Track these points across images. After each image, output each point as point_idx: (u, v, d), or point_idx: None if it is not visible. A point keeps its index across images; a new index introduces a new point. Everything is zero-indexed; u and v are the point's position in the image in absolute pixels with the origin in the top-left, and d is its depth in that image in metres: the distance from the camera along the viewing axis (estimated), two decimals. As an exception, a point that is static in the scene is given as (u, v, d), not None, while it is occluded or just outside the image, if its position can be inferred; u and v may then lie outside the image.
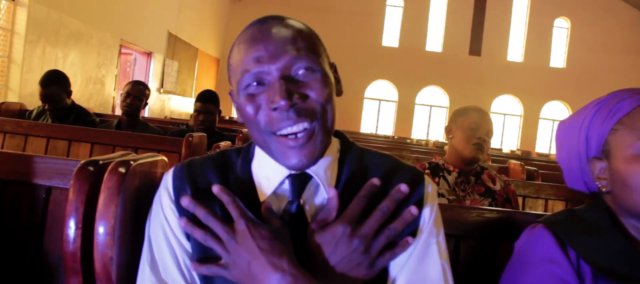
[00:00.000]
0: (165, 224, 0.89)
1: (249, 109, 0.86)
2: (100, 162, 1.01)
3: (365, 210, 0.86)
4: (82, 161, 1.00)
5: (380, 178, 0.89)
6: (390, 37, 16.22)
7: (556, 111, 16.11)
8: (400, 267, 0.88)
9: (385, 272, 0.89)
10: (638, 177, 0.91)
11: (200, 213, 0.83)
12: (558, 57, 16.16)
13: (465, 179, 2.32)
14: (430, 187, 0.94)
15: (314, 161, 0.87)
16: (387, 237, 0.84)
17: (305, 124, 0.83)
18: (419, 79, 15.92)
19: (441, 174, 2.34)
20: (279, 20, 0.90)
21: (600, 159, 0.99)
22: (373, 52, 15.76)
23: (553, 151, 15.53)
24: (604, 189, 0.99)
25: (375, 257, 0.83)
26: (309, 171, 0.89)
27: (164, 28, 10.70)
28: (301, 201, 0.89)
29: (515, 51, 16.15)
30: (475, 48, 15.97)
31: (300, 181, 0.90)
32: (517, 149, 12.01)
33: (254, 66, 0.85)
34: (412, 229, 0.89)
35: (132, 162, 0.97)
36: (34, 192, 1.20)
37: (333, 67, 0.96)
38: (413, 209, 0.84)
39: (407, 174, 0.94)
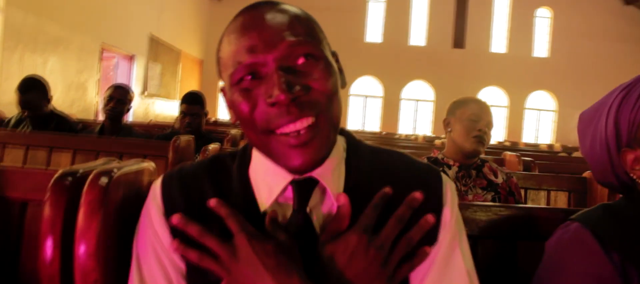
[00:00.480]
0: (155, 240, 0.79)
1: (244, 107, 0.75)
2: (80, 172, 0.91)
3: (380, 218, 0.77)
4: (59, 172, 0.90)
5: (393, 179, 0.80)
6: (374, 32, 16.15)
7: (541, 101, 16.17)
8: (422, 278, 0.79)
9: None
10: None
11: (194, 230, 0.73)
12: (541, 47, 16.21)
13: (466, 173, 2.23)
14: (449, 186, 0.85)
15: (319, 162, 0.77)
16: (405, 247, 0.76)
17: (309, 120, 0.73)
18: (403, 73, 15.88)
19: (441, 169, 2.25)
20: (273, 4, 0.80)
21: (634, 148, 0.91)
22: (357, 49, 15.69)
23: (540, 141, 15.60)
24: (639, 180, 0.91)
25: (393, 269, 0.75)
26: (315, 174, 0.78)
27: (146, 31, 10.54)
28: (308, 210, 0.79)
29: (499, 42, 16.17)
30: (458, 41, 15.98)
31: (305, 187, 0.79)
32: (505, 140, 11.99)
33: (248, 57, 0.74)
34: (432, 235, 0.80)
35: (115, 171, 0.87)
36: (8, 208, 1.09)
37: (335, 55, 0.86)
38: (430, 218, 0.77)
39: (423, 174, 0.84)
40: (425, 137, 8.15)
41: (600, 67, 15.63)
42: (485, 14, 16.03)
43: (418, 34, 16.19)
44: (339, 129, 0.82)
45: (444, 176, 0.86)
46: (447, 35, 16.02)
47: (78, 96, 7.74)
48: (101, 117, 8.72)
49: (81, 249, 0.80)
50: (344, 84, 0.84)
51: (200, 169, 0.85)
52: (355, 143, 0.88)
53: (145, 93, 10.60)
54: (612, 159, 0.95)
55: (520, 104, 15.99)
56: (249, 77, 0.75)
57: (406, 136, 9.33)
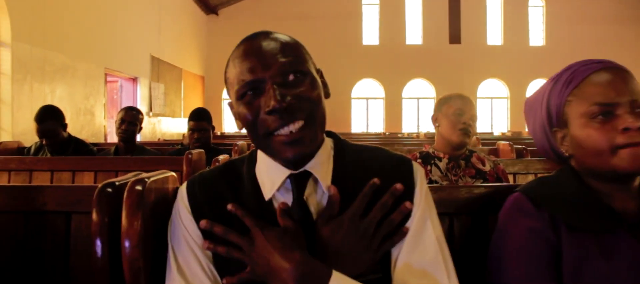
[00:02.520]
0: (186, 234, 1.00)
1: (248, 115, 0.96)
2: (117, 183, 1.11)
3: (368, 205, 0.98)
4: (101, 185, 1.10)
5: (372, 170, 1.01)
6: (370, 35, 16.33)
7: (541, 89, 16.26)
8: (400, 246, 0.98)
9: (388, 253, 0.99)
10: (590, 140, 1.05)
11: (219, 230, 0.97)
12: (537, 36, 16.37)
13: (455, 163, 2.42)
14: (419, 171, 1.04)
15: (309, 154, 0.98)
16: (387, 227, 0.96)
17: (300, 123, 0.93)
18: (403, 73, 16.05)
19: (432, 161, 2.45)
20: (267, 34, 1.01)
21: (561, 128, 1.13)
22: (355, 53, 15.89)
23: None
24: (567, 154, 1.13)
25: (378, 244, 0.95)
26: (307, 167, 0.99)
27: (147, 52, 10.77)
28: (304, 197, 0.99)
29: (495, 35, 16.33)
30: (454, 36, 16.14)
31: (301, 179, 1.00)
32: (508, 131, 12.16)
33: (249, 76, 0.94)
34: (407, 214, 1.00)
35: (146, 180, 1.07)
36: (55, 220, 1.29)
37: (319, 72, 1.06)
38: (408, 204, 0.98)
39: (397, 163, 1.05)
40: (426, 134, 8.36)
41: (597, 50, 15.70)
42: (479, 8, 16.18)
43: (414, 33, 16.36)
44: (324, 129, 1.03)
45: (413, 163, 1.05)
46: (443, 32, 16.18)
47: (87, 120, 7.96)
48: (110, 140, 8.97)
49: (126, 243, 1.00)
50: (328, 95, 1.05)
51: (217, 173, 1.06)
52: (340, 142, 1.09)
53: (151, 113, 10.82)
54: (548, 138, 1.17)
55: (521, 94, 16.10)
56: (251, 92, 0.96)
57: (408, 134, 9.51)
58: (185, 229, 1.01)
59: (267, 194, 1.01)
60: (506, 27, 16.21)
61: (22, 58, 6.22)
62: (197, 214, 1.01)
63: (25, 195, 1.29)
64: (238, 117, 1.01)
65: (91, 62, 8.11)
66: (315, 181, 1.01)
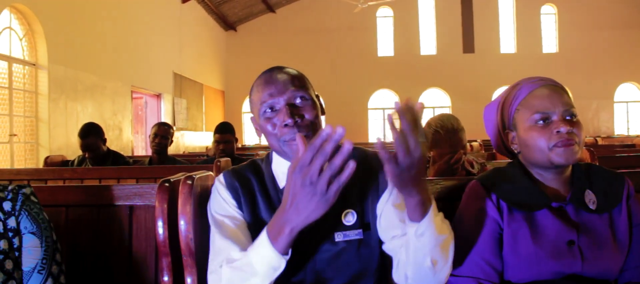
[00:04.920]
0: (223, 202, 1.35)
1: (269, 128, 1.33)
2: (172, 180, 1.49)
3: (351, 189, 1.32)
4: (160, 181, 1.48)
5: (361, 162, 1.35)
6: (385, 47, 16.66)
7: (555, 95, 16.35)
8: (384, 210, 1.32)
9: (373, 216, 1.34)
10: (533, 140, 1.38)
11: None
12: (550, 43, 16.52)
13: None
14: None
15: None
16: (330, 171, 0.99)
17: (305, 133, 1.30)
18: (418, 83, 16.29)
19: (426, 166, 2.77)
20: (281, 68, 1.39)
21: (512, 130, 1.47)
22: (371, 64, 16.20)
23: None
24: (516, 151, 1.48)
25: (325, 187, 1.01)
26: None
27: (169, 69, 11.28)
28: None
29: (507, 43, 16.51)
30: (468, 46, 16.35)
31: None
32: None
33: (268, 99, 1.32)
34: (381, 190, 1.35)
35: (194, 176, 1.45)
36: (121, 212, 1.68)
37: (317, 96, 1.43)
38: (347, 144, 0.98)
39: (371, 157, 1.41)
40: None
41: (609, 55, 15.86)
42: (492, 17, 16.37)
43: (428, 43, 16.61)
44: None
45: None
46: (457, 42, 16.39)
47: (115, 135, 8.43)
48: (136, 154, 9.42)
49: (181, 221, 1.38)
50: (323, 112, 1.42)
51: (244, 167, 1.44)
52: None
53: (175, 127, 11.24)
54: (502, 138, 1.52)
55: (534, 100, 16.21)
56: (269, 110, 1.34)
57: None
58: (222, 199, 1.35)
59: (281, 183, 1.37)
60: (519, 35, 16.41)
61: (58, 79, 6.73)
62: (231, 190, 1.36)
63: (98, 192, 1.68)
64: (260, 129, 1.38)
65: (118, 80, 8.61)
66: None
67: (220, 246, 1.28)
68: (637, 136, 14.36)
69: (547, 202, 1.37)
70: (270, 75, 1.37)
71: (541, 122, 1.37)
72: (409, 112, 1.04)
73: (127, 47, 9.09)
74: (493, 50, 16.33)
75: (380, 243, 1.34)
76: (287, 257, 1.13)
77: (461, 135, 2.50)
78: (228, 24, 15.80)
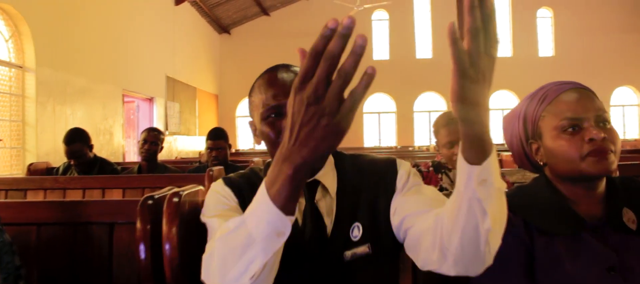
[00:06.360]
0: (223, 199, 1.16)
1: (271, 134, 1.14)
2: (156, 196, 1.31)
3: (355, 202, 1.17)
4: (143, 198, 1.30)
5: (366, 171, 1.21)
6: (381, 50, 16.55)
7: (552, 99, 16.33)
8: (398, 203, 1.16)
9: (385, 224, 1.17)
10: (562, 149, 1.22)
11: None
12: (546, 46, 16.48)
13: (465, 175, 2.58)
14: (402, 163, 1.24)
15: (319, 167, 1.17)
16: (340, 79, 0.77)
17: None
18: (414, 87, 16.20)
19: (443, 171, 2.62)
20: (286, 67, 1.21)
21: (536, 140, 1.30)
22: (366, 67, 16.05)
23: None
24: (541, 163, 1.30)
25: (336, 104, 0.75)
26: (317, 177, 1.18)
27: (162, 73, 11.08)
28: (315, 201, 1.18)
29: (504, 46, 16.43)
30: (464, 49, 16.26)
31: (311, 187, 1.18)
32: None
33: (273, 101, 1.14)
34: (391, 184, 1.19)
35: (181, 193, 1.27)
36: (100, 230, 1.49)
37: None
38: (360, 39, 0.76)
39: (384, 163, 1.25)
40: (436, 145, 8.49)
41: (606, 59, 15.83)
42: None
43: (424, 47, 16.52)
44: None
45: (398, 159, 1.25)
46: (453, 45, 16.32)
47: (106, 140, 8.23)
48: (127, 159, 9.22)
49: (167, 246, 1.20)
50: None
51: (242, 175, 1.26)
52: (338, 154, 1.28)
53: (167, 132, 11.08)
54: (524, 149, 1.34)
55: (531, 104, 16.19)
56: (274, 115, 1.15)
57: (420, 147, 9.68)
58: (222, 196, 1.17)
59: None
60: (515, 38, 16.35)
61: (45, 82, 6.51)
62: (232, 187, 1.19)
63: (74, 209, 1.49)
64: (261, 135, 1.19)
65: (109, 83, 8.40)
66: (324, 188, 1.19)
67: (216, 227, 1.07)
68: (635, 140, 14.34)
69: (581, 223, 1.20)
70: (274, 74, 1.19)
71: (571, 128, 1.21)
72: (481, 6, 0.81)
73: (118, 50, 8.88)
74: (489, 54, 16.21)
75: (395, 255, 1.20)
76: (293, 218, 0.83)
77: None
78: (222, 27, 15.65)
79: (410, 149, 9.79)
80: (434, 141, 2.79)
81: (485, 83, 0.85)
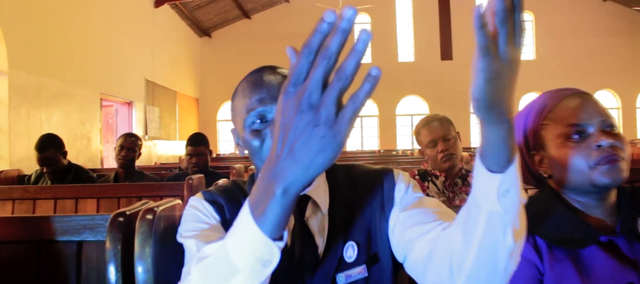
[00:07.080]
0: (202, 216, 1.03)
1: (255, 143, 1.01)
2: (128, 212, 1.17)
3: (351, 214, 1.05)
4: (113, 214, 1.16)
5: (360, 183, 1.09)
6: (363, 53, 16.48)
7: (533, 103, 16.47)
8: (397, 218, 1.04)
9: (382, 242, 1.05)
10: (568, 159, 1.13)
11: None
12: (527, 50, 16.58)
13: (452, 182, 2.49)
14: (400, 173, 1.12)
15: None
16: (339, 82, 0.64)
17: None
18: (396, 90, 16.16)
19: (430, 178, 2.52)
20: (272, 68, 1.08)
21: (538, 151, 1.21)
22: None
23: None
24: (545, 175, 1.20)
25: (333, 111, 0.63)
26: (307, 192, 1.05)
27: (141, 76, 10.87)
28: (305, 218, 1.06)
29: (484, 50, 16.51)
30: (446, 53, 16.21)
31: (301, 202, 1.06)
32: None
33: (258, 106, 1.01)
34: (390, 197, 1.07)
35: (156, 209, 1.14)
36: (66, 249, 1.35)
37: None
38: (364, 34, 0.64)
39: (379, 173, 1.12)
40: (420, 151, 8.42)
41: (587, 63, 15.99)
42: (469, 24, 16.16)
43: (406, 50, 16.56)
44: None
45: (395, 169, 1.13)
46: (435, 49, 16.28)
47: (83, 145, 8.02)
48: (106, 165, 9.01)
49: (139, 268, 1.06)
50: None
51: (224, 189, 1.12)
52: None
53: (147, 136, 10.88)
54: (526, 161, 1.25)
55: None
56: (258, 121, 1.02)
57: (403, 151, 9.61)
58: (201, 214, 1.04)
59: None
60: (497, 42, 16.41)
61: (19, 85, 6.30)
62: (213, 204, 1.05)
63: (38, 225, 1.35)
64: (244, 144, 1.06)
65: (87, 87, 8.19)
66: (314, 204, 1.07)
67: (194, 250, 0.94)
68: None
69: (594, 236, 1.11)
70: (260, 75, 1.06)
71: (576, 136, 1.13)
72: None
73: (96, 53, 8.65)
74: (471, 57, 16.15)
75: (393, 277, 1.07)
76: (282, 244, 0.70)
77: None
78: (202, 30, 15.47)
79: (394, 153, 9.70)
80: (417, 147, 2.70)
81: (513, 77, 0.73)
